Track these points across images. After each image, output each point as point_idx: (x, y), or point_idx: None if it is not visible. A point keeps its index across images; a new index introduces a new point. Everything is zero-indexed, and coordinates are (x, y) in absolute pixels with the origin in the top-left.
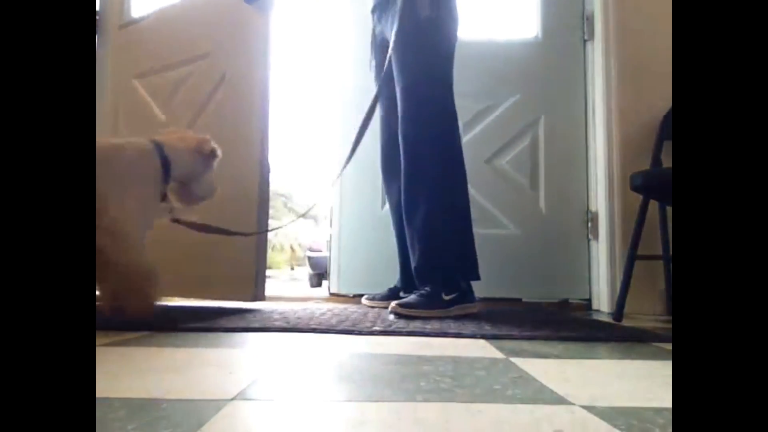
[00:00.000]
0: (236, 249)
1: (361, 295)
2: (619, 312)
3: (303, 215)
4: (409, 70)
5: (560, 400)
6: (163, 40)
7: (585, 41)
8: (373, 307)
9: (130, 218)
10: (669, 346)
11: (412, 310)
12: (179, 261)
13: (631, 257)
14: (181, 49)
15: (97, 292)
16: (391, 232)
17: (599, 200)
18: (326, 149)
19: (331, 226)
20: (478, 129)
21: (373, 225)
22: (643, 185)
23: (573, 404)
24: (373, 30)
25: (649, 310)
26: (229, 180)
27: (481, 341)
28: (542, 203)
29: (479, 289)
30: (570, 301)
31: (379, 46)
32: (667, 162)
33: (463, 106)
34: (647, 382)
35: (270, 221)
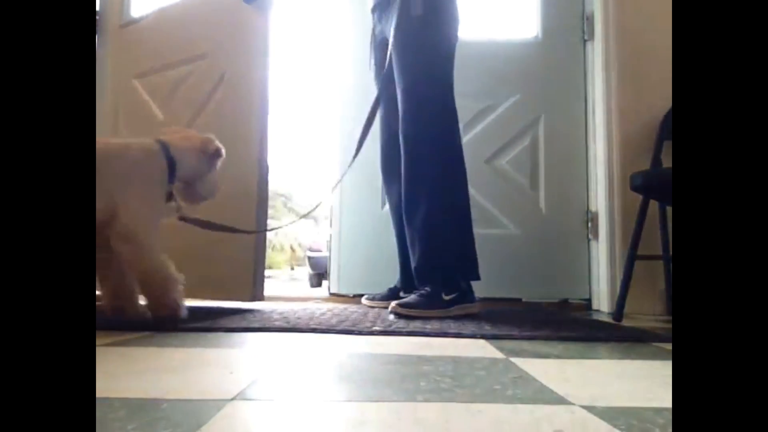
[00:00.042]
0: (235, 249)
1: (361, 295)
2: (619, 312)
3: (305, 215)
4: (409, 70)
5: (560, 400)
6: (163, 39)
7: (585, 41)
8: (373, 307)
9: (142, 222)
10: (669, 346)
11: (412, 310)
12: (177, 261)
13: (631, 257)
14: (181, 48)
15: (98, 292)
16: (391, 232)
17: (599, 200)
18: (326, 149)
19: (331, 226)
20: (478, 129)
21: (373, 225)
22: (643, 185)
23: (573, 404)
24: (373, 29)
25: (649, 310)
26: (228, 179)
27: (481, 341)
28: (542, 203)
29: (479, 289)
30: (570, 301)
31: (379, 45)
32: (667, 162)
33: (463, 106)
34: (647, 382)
35: (269, 221)
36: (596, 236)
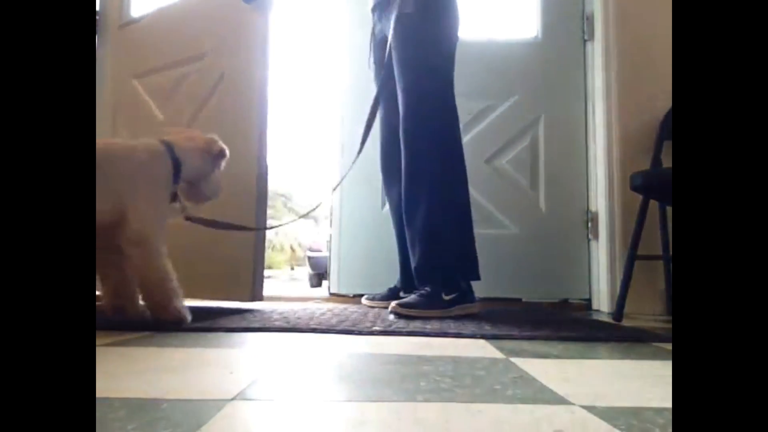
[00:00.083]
0: (234, 248)
1: (361, 295)
2: (619, 312)
3: (306, 215)
4: (410, 65)
5: (560, 400)
6: (163, 39)
7: (585, 41)
8: (373, 307)
9: (152, 225)
10: (669, 346)
11: (412, 310)
12: (175, 261)
13: (631, 257)
14: (181, 48)
15: (99, 292)
16: (391, 232)
17: (599, 200)
18: (326, 149)
19: (331, 226)
20: (478, 129)
21: (373, 225)
22: (643, 185)
23: (573, 404)
24: (373, 29)
25: (649, 310)
26: (227, 178)
27: (481, 341)
28: (542, 203)
29: (479, 289)
30: (570, 301)
31: (378, 44)
32: (667, 162)
33: (463, 105)
34: (647, 382)
35: (269, 221)
36: (596, 236)
